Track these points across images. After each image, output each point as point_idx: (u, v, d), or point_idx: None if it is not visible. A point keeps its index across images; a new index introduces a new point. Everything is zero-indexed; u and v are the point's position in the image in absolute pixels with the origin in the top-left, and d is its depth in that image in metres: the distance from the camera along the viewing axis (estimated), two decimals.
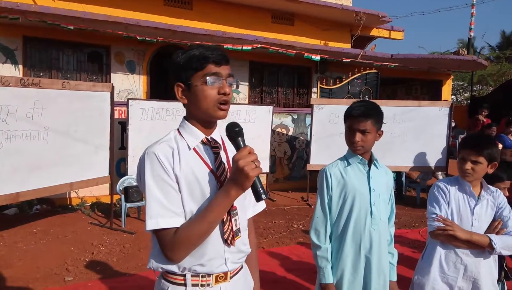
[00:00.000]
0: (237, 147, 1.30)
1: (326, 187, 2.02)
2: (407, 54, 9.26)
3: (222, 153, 1.43)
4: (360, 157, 2.01)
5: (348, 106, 2.07)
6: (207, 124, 1.40)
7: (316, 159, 6.96)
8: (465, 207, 2.21)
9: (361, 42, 10.40)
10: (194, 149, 1.37)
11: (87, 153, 5.24)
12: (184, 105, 1.40)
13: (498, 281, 2.54)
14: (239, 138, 1.31)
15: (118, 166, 6.55)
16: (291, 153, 8.55)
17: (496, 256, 2.25)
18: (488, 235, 2.14)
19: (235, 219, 1.39)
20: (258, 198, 1.27)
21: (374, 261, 1.97)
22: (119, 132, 6.61)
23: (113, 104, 5.46)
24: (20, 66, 6.45)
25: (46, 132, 4.71)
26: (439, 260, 2.22)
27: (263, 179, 7.95)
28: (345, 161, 2.05)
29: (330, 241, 2.03)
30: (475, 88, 17.21)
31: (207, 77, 1.31)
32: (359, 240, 1.97)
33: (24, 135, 4.48)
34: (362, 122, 1.94)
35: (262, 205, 1.59)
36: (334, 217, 2.02)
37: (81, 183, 5.23)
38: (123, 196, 5.70)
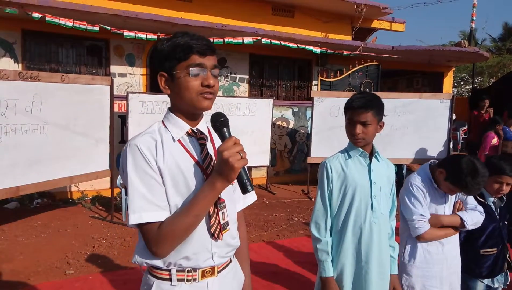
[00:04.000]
0: (222, 137, 1.25)
1: (327, 180, 2.00)
2: (408, 46, 9.17)
3: (209, 145, 1.38)
4: (361, 150, 1.99)
5: (348, 98, 2.04)
6: (191, 115, 1.35)
7: (317, 152, 6.95)
8: (438, 198, 2.29)
9: (362, 34, 10.31)
10: (178, 140, 1.32)
11: (87, 147, 5.23)
12: (168, 95, 1.35)
13: (501, 272, 2.53)
14: (224, 128, 1.25)
15: (118, 159, 6.54)
16: (292, 146, 8.54)
17: (457, 236, 2.35)
18: (458, 213, 2.29)
19: (223, 212, 1.35)
20: (244, 191, 1.23)
21: (374, 255, 1.96)
22: (119, 125, 6.60)
23: (112, 97, 5.44)
24: (19, 60, 6.41)
25: (46, 125, 4.69)
26: (423, 255, 2.26)
27: (263, 172, 7.95)
28: (346, 154, 2.03)
29: (331, 235, 2.02)
30: (476, 80, 17.12)
31: (191, 68, 1.25)
32: (359, 233, 1.96)
33: (23, 129, 4.47)
34: (362, 113, 1.91)
35: (252, 197, 1.54)
36: (334, 210, 2.01)
37: (81, 176, 5.23)
38: (123, 190, 5.70)
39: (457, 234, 2.35)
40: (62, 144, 4.89)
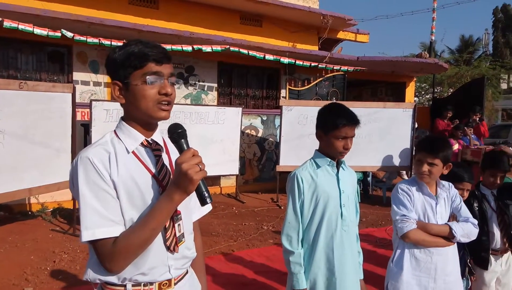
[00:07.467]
0: (180, 149, 1.22)
1: (298, 192, 1.99)
2: (372, 56, 9.48)
3: (164, 156, 1.35)
4: (329, 160, 2.01)
5: (318, 107, 2.05)
6: (147, 125, 1.32)
7: (286, 160, 6.99)
8: (429, 207, 2.27)
9: (328, 45, 10.56)
10: (133, 152, 1.28)
11: (47, 157, 5.00)
12: (122, 105, 1.31)
13: (462, 277, 2.61)
14: (182, 140, 1.23)
15: None
16: (261, 155, 8.55)
17: (456, 253, 2.31)
18: (448, 223, 2.24)
19: (179, 224, 1.33)
20: (203, 202, 1.21)
21: (348, 262, 1.97)
22: (82, 134, 6.37)
23: (74, 105, 5.25)
24: None
25: (2, 135, 4.46)
26: (410, 261, 2.25)
27: (232, 181, 7.91)
28: (314, 164, 2.03)
29: (302, 246, 2.01)
30: (436, 90, 17.88)
31: (147, 76, 1.23)
32: (331, 242, 1.97)
33: None
34: (354, 129, 2.14)
35: (208, 207, 1.52)
36: (306, 221, 2.00)
37: (41, 188, 4.99)
38: None
39: (455, 251, 2.28)
40: (20, 154, 4.66)
